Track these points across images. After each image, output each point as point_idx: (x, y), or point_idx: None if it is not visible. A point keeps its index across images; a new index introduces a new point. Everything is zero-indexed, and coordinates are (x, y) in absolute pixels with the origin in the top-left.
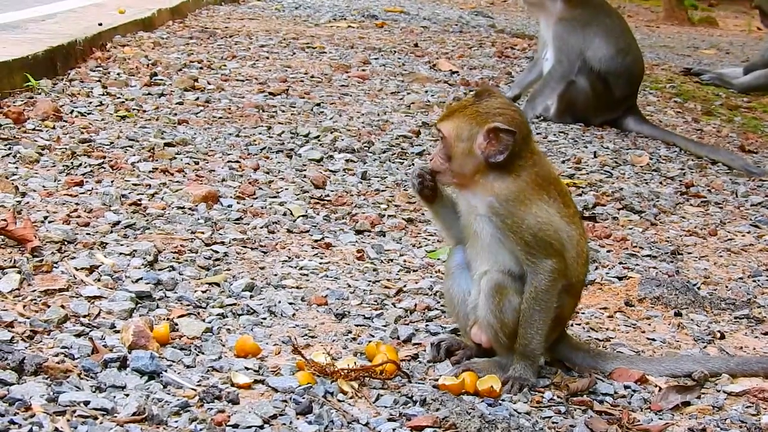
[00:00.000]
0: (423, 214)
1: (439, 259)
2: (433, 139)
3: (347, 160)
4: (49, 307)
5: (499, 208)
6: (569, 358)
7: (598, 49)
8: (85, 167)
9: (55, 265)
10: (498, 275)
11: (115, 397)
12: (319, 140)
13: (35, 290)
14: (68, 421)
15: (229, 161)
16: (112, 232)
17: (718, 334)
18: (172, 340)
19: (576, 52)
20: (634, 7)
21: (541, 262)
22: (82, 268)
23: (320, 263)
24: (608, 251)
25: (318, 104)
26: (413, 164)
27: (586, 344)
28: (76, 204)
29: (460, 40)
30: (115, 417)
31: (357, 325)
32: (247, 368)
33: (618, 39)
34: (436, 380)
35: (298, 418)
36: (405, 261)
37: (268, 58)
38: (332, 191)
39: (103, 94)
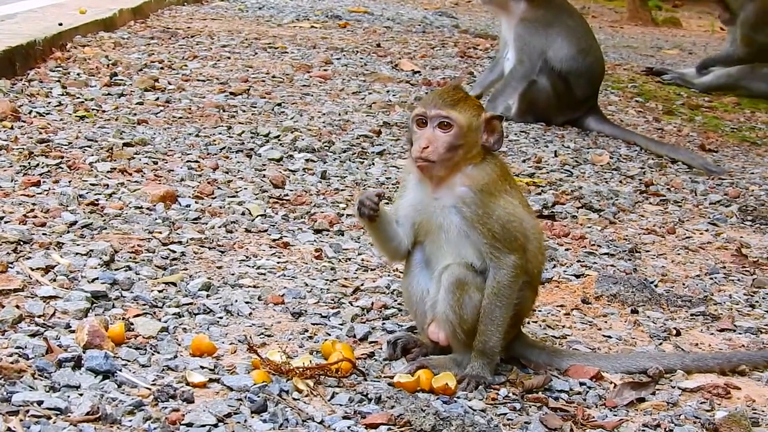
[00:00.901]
0: None
1: None
2: (393, 139)
3: (307, 160)
4: (3, 307)
5: (473, 197)
6: (525, 355)
7: (559, 49)
8: (42, 167)
9: (10, 265)
10: (460, 270)
11: (68, 396)
12: (279, 140)
13: None
14: (21, 420)
15: (188, 161)
16: (68, 232)
17: (674, 331)
18: (128, 340)
19: (538, 52)
20: (599, 7)
21: (504, 257)
22: (37, 268)
23: (278, 262)
24: (566, 249)
25: (279, 104)
26: (373, 164)
27: (541, 342)
28: (33, 204)
29: (423, 41)
30: (69, 417)
31: (313, 324)
32: (202, 367)
33: (579, 39)
34: (392, 378)
35: (252, 417)
36: (363, 260)
37: (229, 58)
38: (291, 191)
39: (62, 95)
